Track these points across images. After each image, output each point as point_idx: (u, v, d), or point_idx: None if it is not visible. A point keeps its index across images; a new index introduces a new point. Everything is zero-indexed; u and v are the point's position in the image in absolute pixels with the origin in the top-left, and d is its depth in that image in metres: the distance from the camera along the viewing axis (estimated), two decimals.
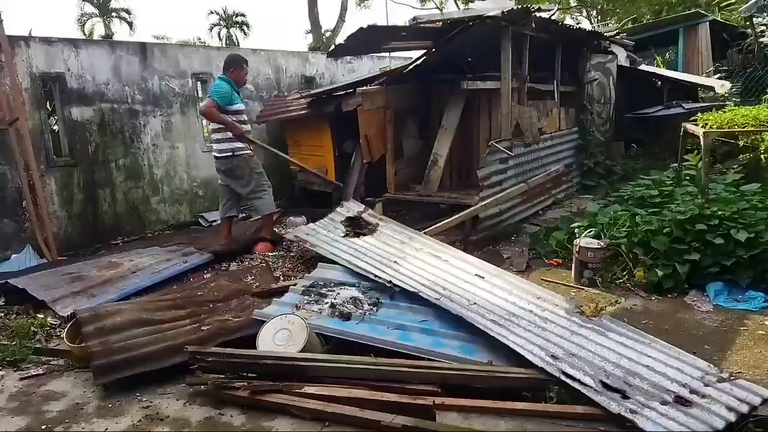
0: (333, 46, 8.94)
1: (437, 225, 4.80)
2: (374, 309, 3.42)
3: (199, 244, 5.33)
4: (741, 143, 5.62)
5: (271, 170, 7.74)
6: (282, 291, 3.91)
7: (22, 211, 5.45)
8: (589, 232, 4.35)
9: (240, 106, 5.18)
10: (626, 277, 4.02)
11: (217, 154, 5.18)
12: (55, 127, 6.10)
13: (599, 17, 18.36)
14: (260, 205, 5.30)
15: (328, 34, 20.49)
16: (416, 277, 3.68)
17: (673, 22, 10.46)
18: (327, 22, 22.20)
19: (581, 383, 2.47)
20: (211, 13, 37.00)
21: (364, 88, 6.09)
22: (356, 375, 2.70)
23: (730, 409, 2.28)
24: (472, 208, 4.97)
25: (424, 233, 4.52)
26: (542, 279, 4.20)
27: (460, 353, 2.88)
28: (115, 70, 6.19)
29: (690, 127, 5.27)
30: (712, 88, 8.12)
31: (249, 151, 5.15)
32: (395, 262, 3.96)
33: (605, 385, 2.46)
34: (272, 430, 2.50)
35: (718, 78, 8.70)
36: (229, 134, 5.02)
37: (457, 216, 4.91)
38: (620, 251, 4.12)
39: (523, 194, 5.53)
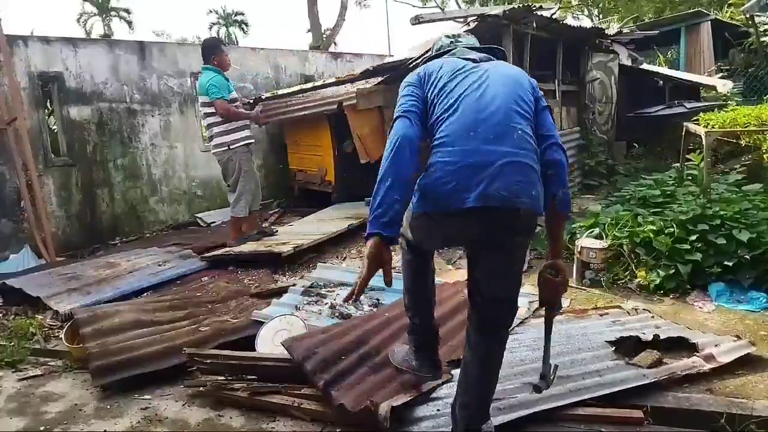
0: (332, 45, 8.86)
1: None
2: (374, 310, 3.40)
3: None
4: (743, 143, 5.59)
5: (269, 169, 7.77)
6: (281, 291, 3.90)
7: (20, 212, 5.43)
8: (591, 232, 4.32)
9: (235, 94, 5.15)
10: (628, 277, 3.99)
11: (214, 149, 5.08)
12: (54, 127, 6.08)
13: (600, 16, 18.33)
14: (233, 204, 5.15)
15: (327, 32, 20.46)
16: None
17: (675, 21, 10.43)
18: (327, 20, 22.20)
19: None
20: (210, 11, 37.08)
21: (361, 87, 6.05)
22: None
23: None
24: None
25: None
26: None
27: None
28: (113, 70, 6.17)
29: (692, 126, 5.25)
30: (714, 88, 8.09)
31: (245, 144, 5.06)
32: None
33: None
34: (272, 431, 2.49)
35: (720, 77, 8.68)
36: (223, 127, 4.93)
37: None
38: (622, 251, 4.09)
39: None
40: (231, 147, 4.97)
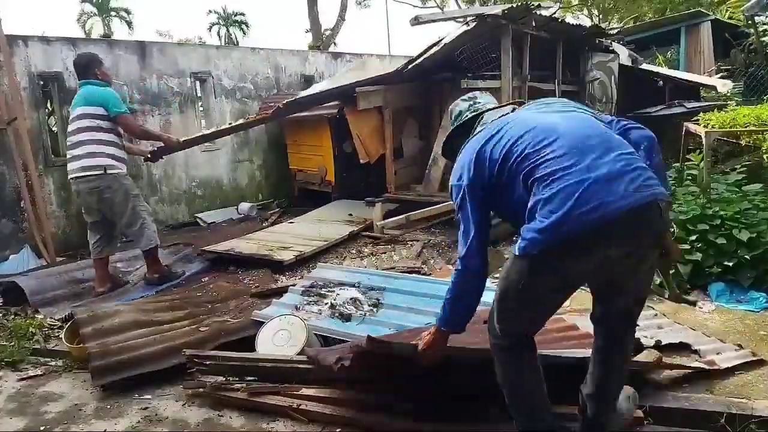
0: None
1: (423, 210, 4.82)
2: (374, 310, 3.40)
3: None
4: (743, 143, 5.58)
5: (269, 170, 7.77)
6: (281, 291, 3.90)
7: (20, 212, 5.44)
8: None
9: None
10: None
11: (80, 173, 4.08)
12: (54, 127, 6.08)
13: (601, 16, 18.35)
14: (138, 237, 4.26)
15: (327, 32, 20.46)
16: None
17: (675, 21, 10.43)
18: (327, 20, 22.21)
19: None
20: (210, 12, 37.09)
21: (362, 87, 6.05)
22: None
23: None
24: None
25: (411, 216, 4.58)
26: None
27: None
28: (113, 69, 6.14)
29: (692, 126, 5.25)
30: (714, 88, 8.08)
31: (123, 170, 4.22)
32: None
33: None
34: (271, 431, 2.49)
35: (720, 77, 8.66)
36: (104, 148, 4.09)
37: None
38: None
39: None
40: (108, 171, 4.10)
